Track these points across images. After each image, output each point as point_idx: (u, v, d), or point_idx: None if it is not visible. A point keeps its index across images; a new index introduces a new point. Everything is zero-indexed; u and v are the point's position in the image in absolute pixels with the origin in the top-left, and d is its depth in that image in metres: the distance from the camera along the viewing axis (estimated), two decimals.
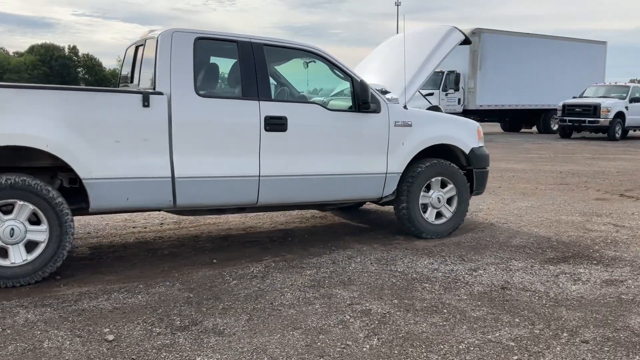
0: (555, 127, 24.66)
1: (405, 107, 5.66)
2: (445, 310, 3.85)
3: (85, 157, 4.30)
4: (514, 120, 26.71)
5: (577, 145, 18.38)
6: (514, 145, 18.68)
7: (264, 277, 4.50)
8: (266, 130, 4.91)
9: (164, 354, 3.15)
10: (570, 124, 21.51)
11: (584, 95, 22.77)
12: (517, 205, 7.76)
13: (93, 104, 4.35)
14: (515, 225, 6.53)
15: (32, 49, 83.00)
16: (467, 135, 6.03)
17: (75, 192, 4.52)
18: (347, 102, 5.43)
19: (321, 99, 5.84)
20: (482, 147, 6.18)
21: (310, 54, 5.40)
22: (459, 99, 22.89)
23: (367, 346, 3.28)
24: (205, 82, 4.93)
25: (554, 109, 23.17)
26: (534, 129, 26.62)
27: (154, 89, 4.59)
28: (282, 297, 4.05)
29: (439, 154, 5.98)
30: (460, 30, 6.16)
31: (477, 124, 6.25)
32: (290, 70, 6.11)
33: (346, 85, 5.49)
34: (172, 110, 4.55)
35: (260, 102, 4.90)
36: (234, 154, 4.84)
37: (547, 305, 3.96)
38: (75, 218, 6.34)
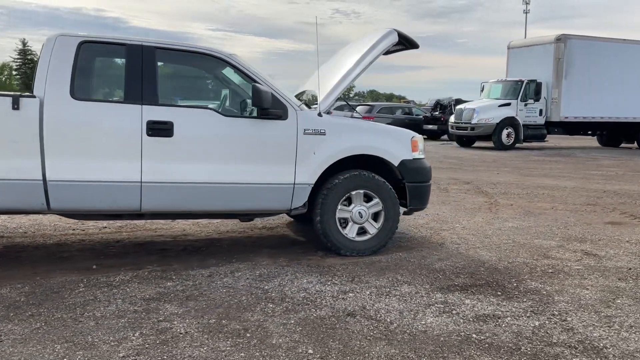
0: None
1: (320, 114, 5.29)
2: (248, 335, 3.50)
3: None
4: (612, 134, 24.43)
5: None
6: (589, 160, 17.11)
7: (117, 286, 4.36)
8: (148, 135, 4.78)
9: None
10: None
11: None
12: (500, 226, 7.03)
13: None
14: (466, 247, 5.89)
15: None
16: (395, 145, 5.50)
17: None
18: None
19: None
20: (418, 159, 5.61)
21: (212, 58, 5.19)
22: (541, 110, 21.36)
23: None
24: (86, 85, 4.90)
25: None
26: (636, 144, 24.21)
27: (32, 92, 4.64)
28: (103, 309, 3.89)
29: (373, 167, 5.54)
30: (399, 33, 5.64)
31: (412, 134, 5.69)
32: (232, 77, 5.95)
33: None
34: (44, 113, 4.57)
35: (143, 106, 4.79)
36: (113, 159, 4.75)
37: (370, 338, 3.48)
38: (34, 217, 6.65)
